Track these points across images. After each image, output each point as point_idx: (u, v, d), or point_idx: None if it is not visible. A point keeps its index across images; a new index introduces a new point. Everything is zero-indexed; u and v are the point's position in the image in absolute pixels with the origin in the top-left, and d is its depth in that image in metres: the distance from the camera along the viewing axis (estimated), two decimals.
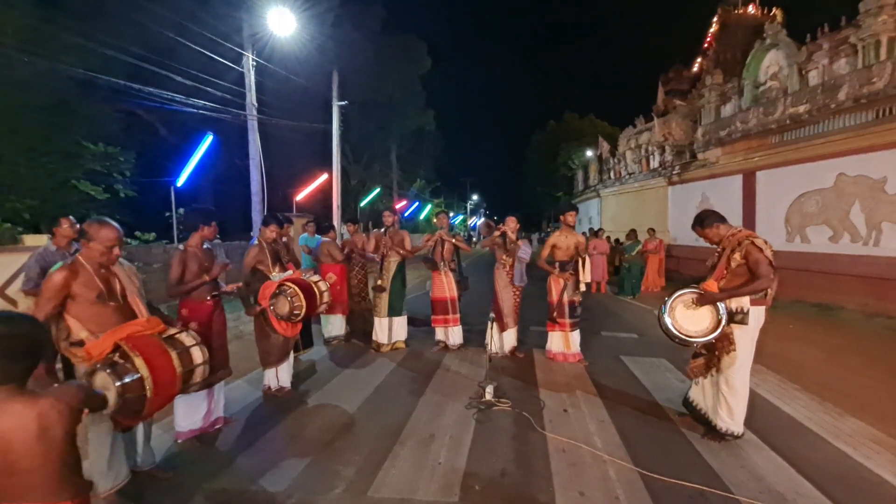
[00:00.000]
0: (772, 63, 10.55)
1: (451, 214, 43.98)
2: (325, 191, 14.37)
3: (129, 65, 9.45)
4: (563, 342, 4.85)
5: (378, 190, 20.84)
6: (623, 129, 19.88)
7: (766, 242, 2.89)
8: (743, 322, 2.92)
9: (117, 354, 2.27)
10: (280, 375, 3.99)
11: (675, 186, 14.38)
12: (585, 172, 24.70)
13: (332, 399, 3.86)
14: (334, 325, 5.63)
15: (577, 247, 4.83)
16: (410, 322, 5.88)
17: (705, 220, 3.14)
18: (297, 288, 3.76)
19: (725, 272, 2.95)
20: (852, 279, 8.23)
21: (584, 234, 18.44)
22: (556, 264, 4.84)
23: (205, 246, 3.36)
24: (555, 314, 4.81)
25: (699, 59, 28.31)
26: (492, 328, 4.84)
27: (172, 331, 2.51)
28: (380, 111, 21.70)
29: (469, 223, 52.95)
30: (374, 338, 5.39)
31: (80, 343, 2.35)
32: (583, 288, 4.89)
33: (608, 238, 12.55)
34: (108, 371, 2.17)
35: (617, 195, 19.29)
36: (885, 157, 7.82)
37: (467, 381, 4.25)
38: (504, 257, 4.96)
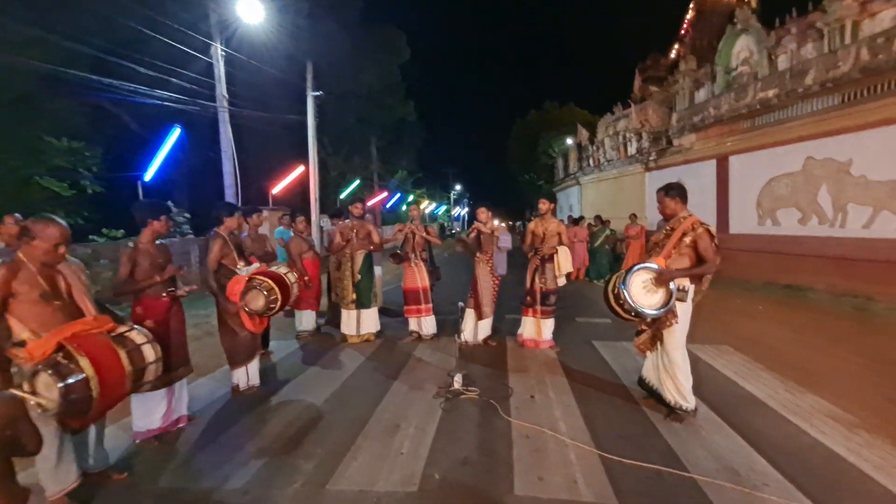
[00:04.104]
0: (742, 48, 10.66)
1: (434, 205, 43.90)
2: (304, 183, 14.14)
3: (95, 57, 9.11)
4: (535, 329, 4.86)
5: (358, 182, 20.60)
6: (602, 117, 19.97)
7: (714, 231, 3.13)
8: (683, 299, 3.09)
9: (61, 355, 2.19)
10: (250, 373, 3.92)
11: (652, 173, 14.52)
12: (565, 160, 24.79)
13: (299, 394, 3.81)
14: (305, 320, 5.56)
15: (558, 234, 4.81)
16: (384, 313, 5.87)
17: (672, 189, 3.27)
18: (270, 281, 3.68)
19: (673, 251, 3.11)
20: (820, 260, 8.44)
21: (561, 221, 18.67)
22: (533, 249, 4.84)
23: (158, 242, 3.26)
24: (528, 299, 4.83)
25: (676, 47, 28.52)
26: (464, 316, 4.85)
27: (122, 329, 2.43)
28: (359, 102, 21.37)
29: (452, 213, 52.86)
30: (342, 329, 5.35)
31: (22, 343, 2.27)
32: (562, 281, 4.85)
33: (589, 225, 12.65)
34: (49, 372, 2.09)
35: (596, 182, 19.42)
36: (851, 141, 7.99)
37: (438, 370, 4.24)
38: (480, 255, 4.93)
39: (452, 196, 53.30)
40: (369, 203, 22.41)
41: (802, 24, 9.02)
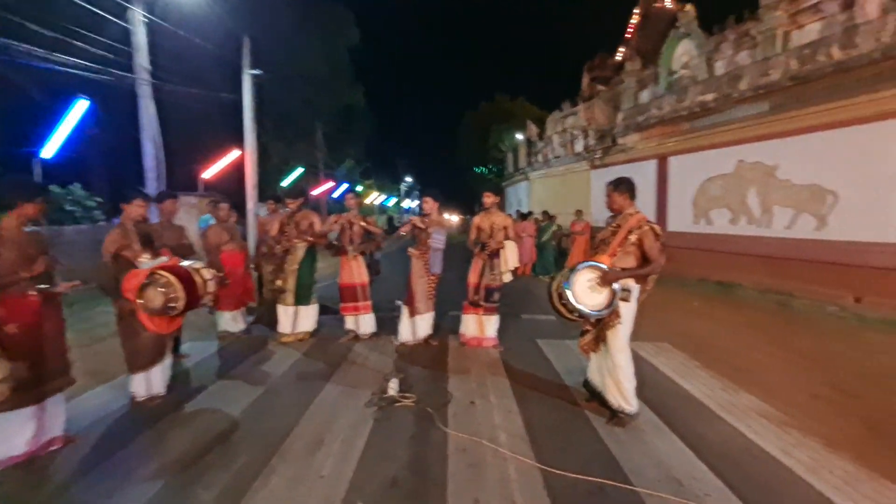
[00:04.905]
0: (684, 52, 11.02)
1: (384, 197, 43.04)
2: (242, 169, 13.17)
3: None
4: (478, 326, 4.65)
5: (301, 169, 19.58)
6: (551, 113, 20.23)
7: (660, 230, 3.02)
8: (626, 299, 2.99)
9: None
10: (152, 380, 3.40)
11: (597, 170, 14.84)
12: (515, 155, 25.00)
13: (213, 403, 3.35)
14: (227, 320, 5.01)
15: (504, 228, 4.59)
16: (321, 311, 5.43)
17: (621, 184, 3.15)
18: (172, 276, 3.19)
19: (618, 250, 2.99)
20: (749, 258, 8.90)
21: (509, 215, 18.79)
22: (478, 245, 4.61)
23: (29, 229, 2.70)
24: (472, 296, 4.61)
25: (622, 49, 29.48)
26: (403, 316, 4.55)
27: None
28: (304, 85, 20.29)
29: (403, 205, 52.14)
30: (277, 328, 4.93)
31: None
32: (508, 277, 4.65)
33: (536, 220, 12.72)
34: None
35: (545, 178, 19.68)
36: (778, 146, 8.44)
37: (374, 374, 3.92)
38: (413, 250, 4.63)
39: (403, 188, 52.55)
40: (314, 192, 21.46)
41: (738, 32, 9.41)
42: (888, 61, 6.73)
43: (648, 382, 3.84)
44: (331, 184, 22.38)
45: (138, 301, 3.15)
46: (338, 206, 26.30)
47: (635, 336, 4.91)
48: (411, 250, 4.65)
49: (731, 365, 4.37)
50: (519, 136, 24.67)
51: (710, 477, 2.49)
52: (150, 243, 3.64)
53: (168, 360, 3.56)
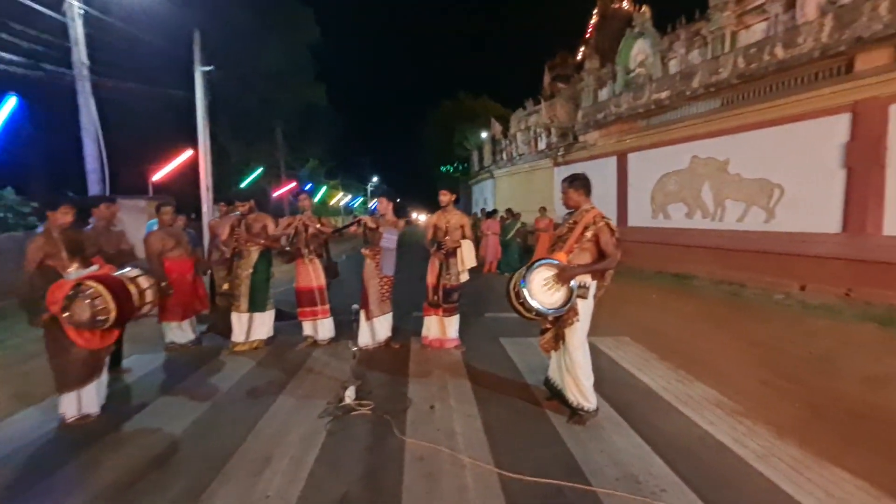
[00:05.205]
0: (640, 51, 11.31)
1: (350, 197, 42.39)
2: (197, 170, 12.59)
3: None
4: (440, 328, 4.57)
5: (261, 169, 18.96)
6: (515, 111, 20.40)
7: (615, 226, 3.02)
8: (584, 296, 2.97)
9: None
10: (83, 399, 3.14)
11: (560, 167, 15.06)
12: (480, 154, 25.11)
13: (152, 422, 3.12)
14: (174, 331, 4.72)
15: (461, 227, 4.51)
16: (278, 317, 5.22)
17: (576, 180, 3.13)
18: (101, 287, 2.95)
19: (575, 246, 2.97)
20: (703, 250, 9.22)
21: (475, 213, 18.74)
22: (435, 244, 4.52)
23: None
24: (431, 297, 4.52)
25: (582, 48, 30.08)
26: (360, 320, 4.42)
27: None
28: (263, 83, 19.66)
29: (370, 205, 51.52)
30: (232, 336, 4.69)
31: None
32: (465, 277, 4.58)
33: (502, 218, 12.76)
34: None
35: (509, 176, 19.84)
36: (729, 141, 8.77)
37: (331, 381, 3.76)
38: (366, 251, 4.50)
39: (370, 188, 51.90)
40: (275, 194, 20.85)
41: (690, 31, 9.72)
42: (826, 60, 7.09)
43: (608, 377, 3.88)
44: (293, 184, 21.80)
45: (64, 314, 2.90)
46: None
47: (596, 331, 4.96)
48: (364, 250, 4.52)
49: (687, 355, 4.47)
50: (484, 134, 24.77)
51: (667, 471, 2.50)
52: (80, 252, 3.38)
53: (104, 377, 3.31)
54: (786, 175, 7.73)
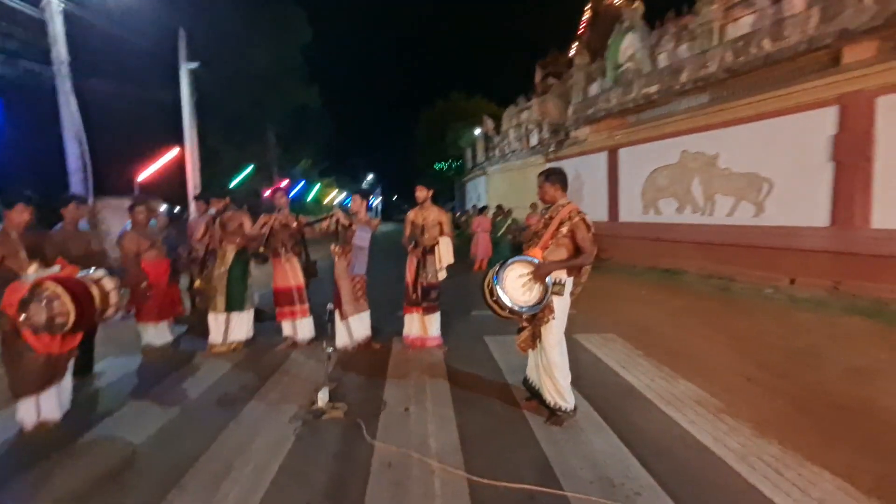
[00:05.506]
0: (629, 45, 11.22)
1: (345, 194, 42.18)
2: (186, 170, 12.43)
3: None
4: (420, 326, 4.48)
5: (251, 168, 18.77)
6: (507, 109, 20.29)
7: (591, 221, 2.94)
8: (559, 293, 2.87)
9: None
10: (42, 406, 3.02)
11: (552, 163, 14.98)
12: (473, 151, 25.01)
13: (118, 429, 3.01)
14: (151, 334, 4.60)
15: (440, 223, 4.42)
16: (257, 317, 5.12)
17: (552, 174, 3.05)
18: (59, 289, 2.84)
19: (550, 242, 2.89)
20: (692, 245, 9.16)
21: (467, 211, 18.61)
22: (413, 241, 4.43)
23: None
24: (410, 296, 4.44)
25: (574, 45, 29.98)
26: (333, 320, 4.32)
27: None
28: (254, 84, 19.46)
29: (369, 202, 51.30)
30: (209, 339, 4.59)
31: None
32: (443, 275, 4.48)
33: (493, 214, 12.67)
34: None
35: (502, 172, 19.75)
36: (718, 136, 8.70)
37: (307, 384, 3.66)
38: (336, 248, 4.40)
39: (364, 186, 51.71)
40: (266, 193, 20.68)
41: (678, 25, 9.64)
42: (813, 53, 7.02)
43: (591, 375, 3.81)
44: (286, 182, 21.64)
45: (20, 317, 2.79)
46: (296, 205, 25.48)
47: (584, 328, 4.89)
48: (333, 247, 4.41)
49: (673, 352, 4.41)
50: (476, 132, 24.67)
51: (643, 474, 2.42)
52: (40, 253, 3.27)
53: (66, 382, 3.20)
54: (774, 169, 7.67)
